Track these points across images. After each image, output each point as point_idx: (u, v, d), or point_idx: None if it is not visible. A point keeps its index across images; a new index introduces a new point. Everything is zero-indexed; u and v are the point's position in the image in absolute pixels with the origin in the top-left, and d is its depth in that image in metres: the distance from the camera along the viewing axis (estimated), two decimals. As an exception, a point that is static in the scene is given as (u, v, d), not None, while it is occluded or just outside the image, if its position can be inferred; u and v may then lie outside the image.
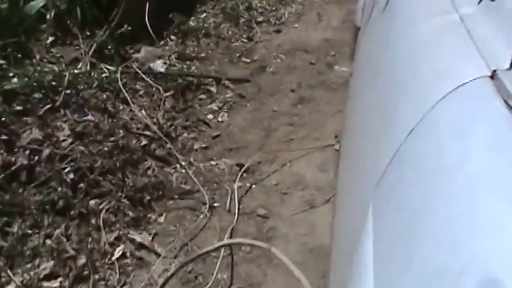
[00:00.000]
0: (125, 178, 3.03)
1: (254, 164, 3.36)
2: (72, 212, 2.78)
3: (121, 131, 3.29)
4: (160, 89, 3.78)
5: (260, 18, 5.10)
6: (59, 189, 2.80)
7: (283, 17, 5.20)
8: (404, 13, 1.54)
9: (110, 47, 3.86)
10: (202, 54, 4.37)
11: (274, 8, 5.29)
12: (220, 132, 3.62)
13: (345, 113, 2.50)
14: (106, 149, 3.09)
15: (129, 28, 3.89)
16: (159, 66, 4.00)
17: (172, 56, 4.21)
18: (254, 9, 5.15)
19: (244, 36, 4.80)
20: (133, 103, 3.60)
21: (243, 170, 3.29)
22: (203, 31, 4.61)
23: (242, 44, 4.70)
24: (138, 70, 3.82)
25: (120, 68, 3.71)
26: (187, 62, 4.24)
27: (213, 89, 4.02)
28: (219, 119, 3.76)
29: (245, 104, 3.93)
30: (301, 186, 3.20)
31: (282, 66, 4.39)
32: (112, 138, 3.18)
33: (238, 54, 4.50)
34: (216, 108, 3.86)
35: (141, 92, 3.75)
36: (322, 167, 3.33)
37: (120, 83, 3.62)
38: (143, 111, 3.57)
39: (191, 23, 4.58)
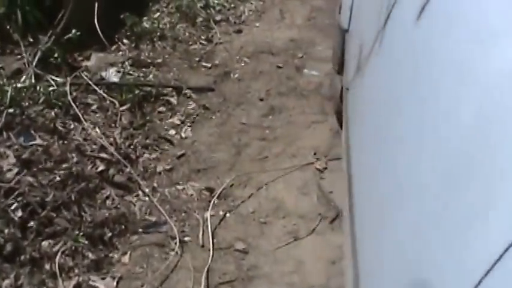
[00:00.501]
0: (82, 212, 2.64)
1: (226, 188, 3.01)
2: (22, 257, 2.40)
3: (74, 155, 2.89)
4: (116, 102, 3.38)
5: (218, 17, 4.70)
6: (6, 230, 2.40)
7: (243, 15, 4.82)
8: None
9: (56, 55, 3.42)
10: (159, 60, 3.96)
11: (233, 6, 4.90)
12: (185, 151, 3.25)
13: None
14: (58, 178, 2.68)
15: (77, 32, 3.45)
16: (112, 75, 3.59)
17: (126, 63, 3.79)
18: (211, 7, 4.74)
19: (203, 37, 4.40)
20: (86, 120, 3.20)
21: (214, 196, 2.94)
22: (158, 33, 4.19)
23: (201, 46, 4.30)
24: (89, 81, 3.40)
25: (69, 80, 3.28)
26: (143, 69, 3.82)
27: (174, 100, 3.63)
28: (183, 135, 3.38)
29: (210, 116, 3.56)
30: (281, 213, 2.87)
31: (247, 72, 4.03)
32: (64, 165, 2.77)
33: (197, 59, 4.11)
34: (178, 122, 3.48)
35: (94, 107, 3.33)
36: (303, 190, 3.01)
37: (69, 97, 3.20)
38: (97, 130, 3.16)
39: (145, 24, 4.15)
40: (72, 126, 3.13)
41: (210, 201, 2.92)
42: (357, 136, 2.05)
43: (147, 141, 3.25)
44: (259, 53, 4.29)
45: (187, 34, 4.38)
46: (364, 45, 2.15)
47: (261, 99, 3.75)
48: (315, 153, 3.25)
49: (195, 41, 4.35)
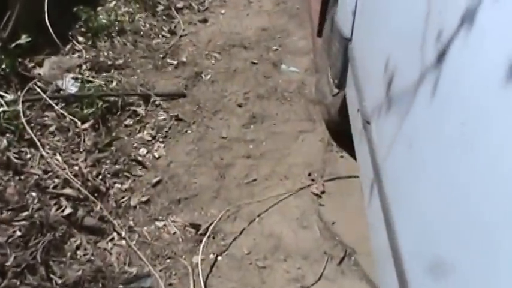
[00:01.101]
0: (50, 274, 2.17)
1: (213, 222, 2.59)
2: None
3: (34, 195, 2.42)
4: (76, 120, 2.88)
5: (180, 4, 4.21)
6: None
7: (206, 1, 4.32)
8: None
9: (4, 66, 2.87)
10: (120, 61, 3.46)
11: (194, -11, 4.39)
12: (161, 176, 2.80)
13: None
14: (18, 233, 2.20)
15: (28, 38, 2.90)
16: (69, 84, 3.08)
17: (84, 67, 3.29)
18: (172, -8, 4.23)
19: (165, 29, 3.91)
20: (44, 146, 2.70)
21: (201, 234, 2.53)
22: (116, 27, 3.68)
23: (164, 40, 3.82)
24: (44, 95, 2.88)
25: (21, 96, 2.76)
26: (104, 74, 3.33)
27: (141, 110, 3.17)
28: (156, 154, 2.93)
29: (185, 129, 3.12)
30: (281, 254, 2.49)
31: (220, 71, 3.57)
32: (25, 214, 2.29)
33: (162, 55, 3.63)
34: (148, 137, 3.02)
35: (52, 128, 2.84)
36: (302, 222, 2.64)
37: (23, 119, 2.69)
38: (58, 157, 2.68)
39: (101, 18, 3.62)
40: (28, 155, 2.64)
41: (197, 242, 2.50)
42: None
43: (117, 166, 2.79)
44: (231, 47, 3.83)
45: (147, 26, 3.88)
46: (398, 75, 1.74)
47: (240, 105, 3.32)
48: (309, 174, 2.86)
49: (157, 33, 3.86)
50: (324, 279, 2.40)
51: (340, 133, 2.98)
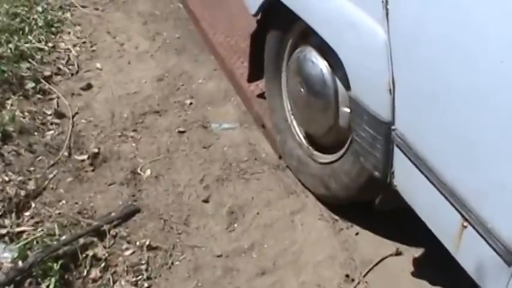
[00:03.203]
0: None
1: None
2: None
3: None
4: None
5: (47, 72, 3.27)
6: None
7: (71, 57, 3.37)
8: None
9: None
10: (32, 185, 2.53)
11: (51, 45, 3.40)
12: None
13: None
14: None
15: None
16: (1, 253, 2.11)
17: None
18: (30, 57, 3.20)
19: (49, 112, 3.01)
20: None
21: None
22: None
23: (57, 129, 2.92)
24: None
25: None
26: (26, 214, 2.39)
27: (100, 252, 2.32)
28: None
29: (167, 260, 2.35)
30: None
31: (152, 158, 2.78)
32: None
33: (66, 153, 2.72)
34: (130, 288, 2.21)
35: None
36: None
37: None
38: None
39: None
40: None
41: None
42: None
43: None
44: (141, 117, 3.04)
45: (28, 116, 2.87)
46: None
47: (206, 201, 2.61)
48: (347, 276, 2.31)
49: (44, 122, 2.94)
50: None
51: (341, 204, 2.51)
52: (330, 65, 2.20)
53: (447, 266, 2.19)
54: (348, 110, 2.18)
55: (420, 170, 1.72)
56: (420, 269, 2.35)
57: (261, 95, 2.97)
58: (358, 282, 2.28)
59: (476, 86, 1.44)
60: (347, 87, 2.08)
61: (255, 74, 2.80)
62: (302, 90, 2.35)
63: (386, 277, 2.34)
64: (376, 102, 1.83)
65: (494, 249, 1.48)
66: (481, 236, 1.53)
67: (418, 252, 2.43)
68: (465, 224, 1.58)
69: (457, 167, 1.59)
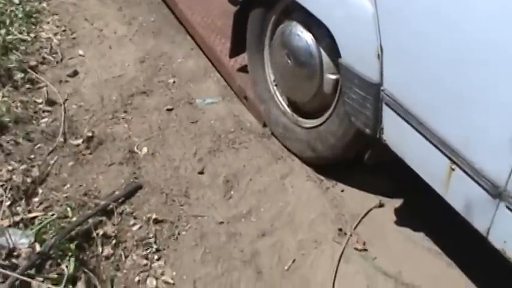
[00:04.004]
0: None
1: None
2: None
3: None
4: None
5: (33, 62, 3.23)
6: None
7: (53, 46, 3.35)
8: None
9: None
10: (36, 171, 2.54)
11: (33, 36, 3.36)
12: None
13: None
14: None
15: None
16: (17, 238, 2.14)
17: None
18: (14, 49, 3.16)
19: (39, 101, 2.99)
20: None
21: None
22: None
23: (50, 116, 2.90)
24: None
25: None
26: (35, 200, 2.39)
27: (110, 229, 2.36)
28: (166, 279, 2.22)
29: (174, 231, 2.40)
30: None
31: (146, 136, 2.81)
32: None
33: (62, 139, 2.72)
34: (141, 261, 2.27)
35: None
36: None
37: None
38: None
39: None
40: None
41: None
42: None
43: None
44: (130, 98, 3.05)
45: (20, 106, 2.85)
46: None
47: (201, 172, 2.66)
48: (340, 229, 2.41)
49: (37, 111, 2.91)
50: None
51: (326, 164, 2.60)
52: (314, 37, 2.26)
53: (425, 213, 2.32)
54: (332, 76, 2.25)
55: (409, 123, 1.82)
56: (402, 217, 2.47)
57: (242, 69, 3.00)
58: (351, 235, 2.37)
59: (458, 46, 1.57)
60: (331, 56, 2.15)
61: (236, 49, 2.83)
62: (289, 61, 2.41)
63: (374, 228, 2.45)
64: (365, 67, 1.92)
65: (481, 186, 1.61)
66: (468, 175, 1.65)
67: (398, 203, 2.54)
68: (453, 166, 1.69)
69: (443, 117, 1.71)
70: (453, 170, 1.75)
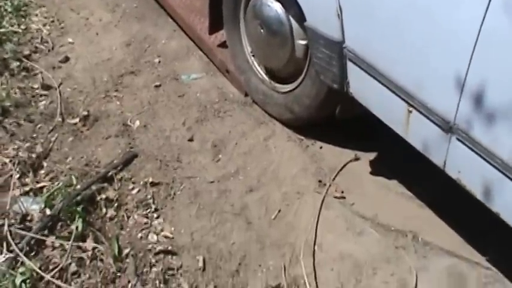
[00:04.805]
0: None
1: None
2: None
3: None
4: (80, 244, 2.20)
5: (26, 51, 3.37)
6: None
7: (43, 36, 3.50)
8: None
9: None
10: (39, 148, 2.69)
11: (23, 27, 3.50)
12: (198, 256, 2.33)
13: None
14: None
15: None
16: (29, 204, 2.32)
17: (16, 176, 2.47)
18: (7, 41, 3.32)
19: (36, 86, 3.13)
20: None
21: None
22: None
23: (47, 99, 3.06)
24: (30, 234, 2.13)
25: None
26: (41, 172, 2.57)
27: (112, 194, 2.55)
28: (166, 234, 2.42)
29: (169, 192, 2.60)
30: (368, 268, 2.29)
31: (137, 111, 2.99)
32: None
33: (60, 119, 2.89)
34: (142, 220, 2.47)
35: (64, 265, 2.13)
36: (355, 229, 2.42)
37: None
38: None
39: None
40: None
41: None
42: None
43: (154, 269, 2.23)
44: (120, 78, 3.20)
45: (18, 91, 3.02)
46: None
47: (191, 140, 2.85)
48: (319, 181, 2.61)
49: (34, 95, 3.06)
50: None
51: (304, 124, 2.80)
52: (283, 6, 2.44)
53: (397, 163, 2.52)
54: (302, 42, 2.44)
55: (370, 75, 2.03)
56: (376, 168, 2.67)
57: (221, 45, 3.17)
58: (330, 185, 2.57)
59: (407, 2, 1.77)
60: (299, 22, 2.34)
61: (214, 26, 3.01)
62: (262, 31, 2.59)
63: (351, 178, 2.64)
64: (328, 28, 2.12)
65: (435, 123, 1.81)
66: (424, 115, 1.85)
67: (372, 156, 2.73)
68: (410, 109, 1.90)
69: (399, 66, 1.91)
70: (410, 112, 1.95)
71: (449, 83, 1.71)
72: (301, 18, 2.33)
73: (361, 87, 2.16)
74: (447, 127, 1.79)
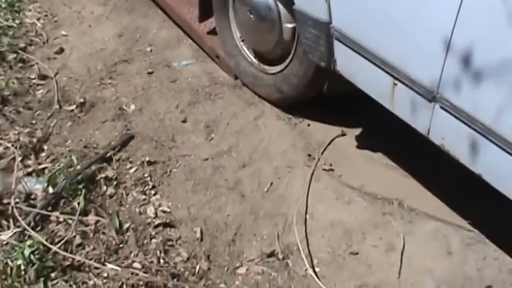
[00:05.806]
0: None
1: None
2: None
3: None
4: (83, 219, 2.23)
5: (22, 44, 3.39)
6: None
7: (38, 29, 3.51)
8: None
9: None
10: (39, 132, 2.72)
11: (18, 22, 3.52)
12: (196, 228, 2.38)
13: None
14: None
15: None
16: (32, 184, 2.36)
17: (19, 158, 2.50)
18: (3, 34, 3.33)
19: (33, 76, 3.15)
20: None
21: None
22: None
23: (44, 88, 3.08)
24: (36, 210, 2.17)
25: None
26: (42, 155, 2.60)
27: (111, 173, 2.58)
28: (164, 209, 2.46)
29: (166, 170, 2.64)
30: (354, 235, 2.35)
31: (132, 96, 3.03)
32: None
33: (58, 106, 2.92)
34: (140, 196, 2.50)
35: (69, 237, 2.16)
36: (344, 199, 2.48)
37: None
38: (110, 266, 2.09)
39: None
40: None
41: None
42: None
43: (153, 240, 2.28)
44: (114, 66, 3.23)
45: (16, 82, 3.03)
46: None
47: (184, 121, 2.88)
48: (309, 155, 2.66)
49: (32, 85, 3.08)
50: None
51: (292, 103, 2.85)
52: (271, -9, 2.50)
53: (382, 137, 2.58)
54: (289, 25, 2.49)
55: (356, 52, 2.08)
56: (362, 142, 2.73)
57: (211, 32, 3.21)
58: (319, 159, 2.62)
59: None
60: (287, 7, 2.40)
61: (204, 14, 3.05)
62: (252, 17, 2.63)
63: (338, 152, 2.70)
64: (316, 9, 2.17)
65: (419, 93, 1.86)
66: (408, 87, 1.90)
67: (357, 131, 2.79)
68: (395, 82, 1.95)
69: (384, 42, 1.96)
70: (396, 84, 2.01)
71: (432, 54, 1.77)
72: (288, 2, 2.38)
73: (348, 64, 2.22)
74: (431, 96, 1.85)
